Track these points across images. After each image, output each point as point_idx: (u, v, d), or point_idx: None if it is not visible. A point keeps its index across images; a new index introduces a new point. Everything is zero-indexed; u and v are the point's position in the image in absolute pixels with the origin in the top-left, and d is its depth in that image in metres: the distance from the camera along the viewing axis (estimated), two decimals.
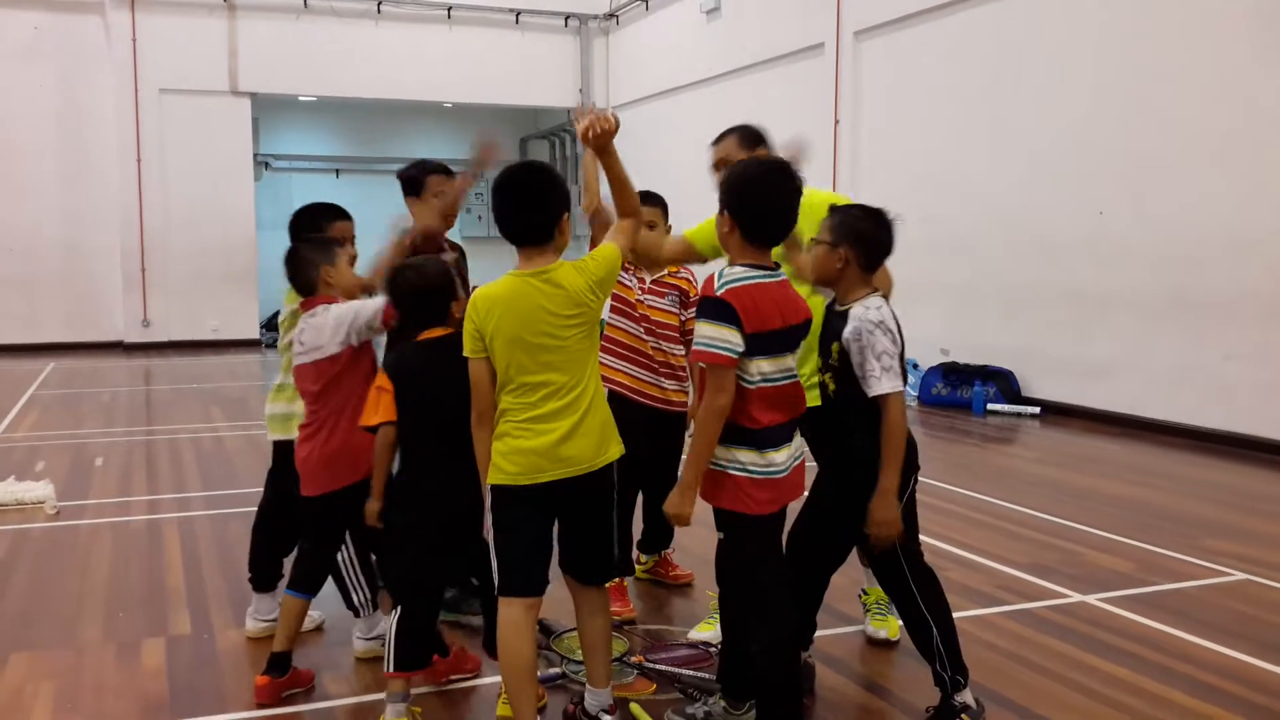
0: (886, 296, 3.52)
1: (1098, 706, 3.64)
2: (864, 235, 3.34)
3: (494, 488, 3.12)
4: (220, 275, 16.62)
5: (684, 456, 3.21)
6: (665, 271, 4.67)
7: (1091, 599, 4.71)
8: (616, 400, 4.27)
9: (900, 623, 4.01)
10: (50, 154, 16.12)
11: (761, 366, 3.06)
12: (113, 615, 4.59)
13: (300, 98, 18.25)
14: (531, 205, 3.11)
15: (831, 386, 3.38)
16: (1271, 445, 7.92)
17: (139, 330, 16.33)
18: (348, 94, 17.75)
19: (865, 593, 4.30)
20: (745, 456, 3.07)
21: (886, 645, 4.20)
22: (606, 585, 3.98)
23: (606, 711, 3.33)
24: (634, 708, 3.56)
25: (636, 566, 5.05)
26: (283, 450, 4.11)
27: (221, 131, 16.65)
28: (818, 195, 3.77)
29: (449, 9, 17.49)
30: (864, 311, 3.26)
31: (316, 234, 4.11)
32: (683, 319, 4.65)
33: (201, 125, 16.46)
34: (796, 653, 3.30)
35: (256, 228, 17.23)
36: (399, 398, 3.40)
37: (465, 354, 3.12)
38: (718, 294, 3.01)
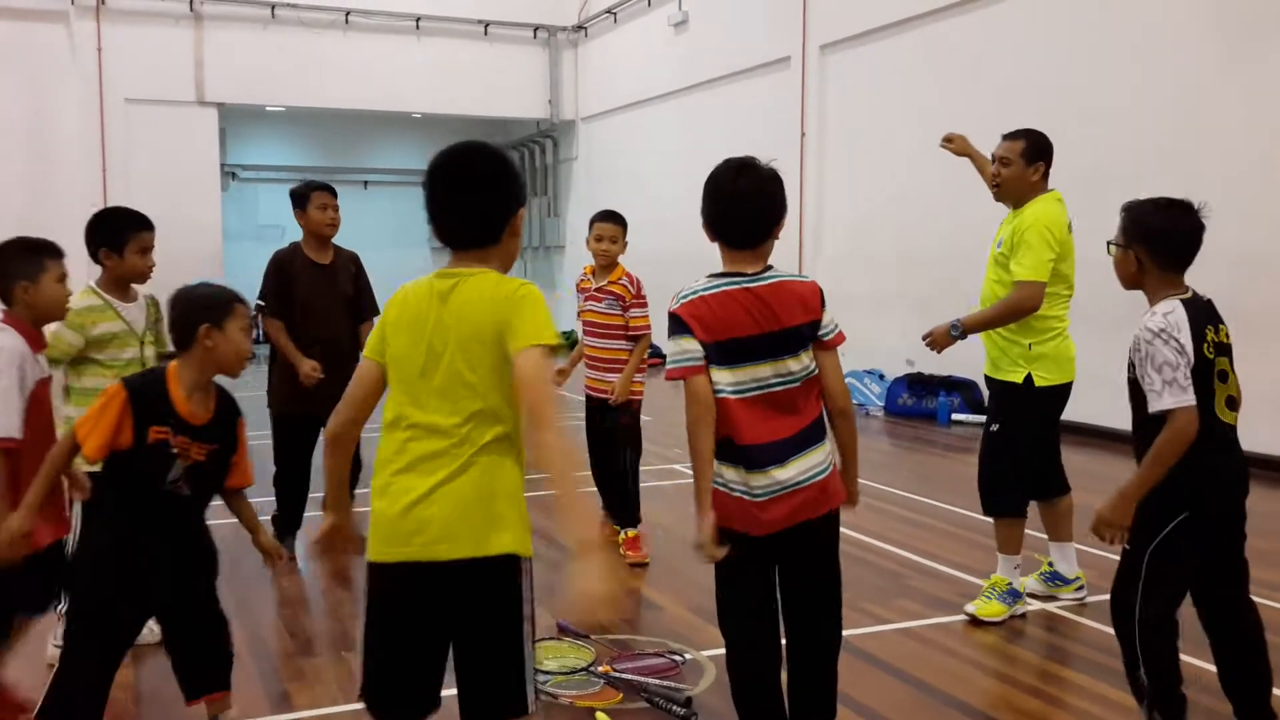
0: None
1: (1058, 713, 3.70)
2: (1156, 231, 3.19)
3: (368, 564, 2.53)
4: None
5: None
6: (606, 280, 5.68)
7: (1053, 607, 4.77)
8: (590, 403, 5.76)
9: (1005, 607, 4.54)
10: (14, 164, 15.92)
11: (724, 376, 2.88)
12: None
13: (268, 108, 18.19)
14: (469, 197, 2.49)
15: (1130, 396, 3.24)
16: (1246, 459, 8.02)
17: None
18: (315, 104, 17.72)
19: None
20: (729, 474, 2.93)
21: (858, 651, 4.24)
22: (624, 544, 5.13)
23: None
24: (600, 717, 3.58)
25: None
26: None
27: (188, 142, 16.56)
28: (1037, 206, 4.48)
29: (417, 20, 17.50)
30: (1147, 319, 3.13)
31: (118, 244, 4.07)
32: (625, 320, 5.70)
33: (168, 136, 16.35)
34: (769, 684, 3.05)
35: (224, 239, 17.17)
36: None
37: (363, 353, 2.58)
38: (672, 310, 2.94)
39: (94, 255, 4.17)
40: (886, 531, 5.99)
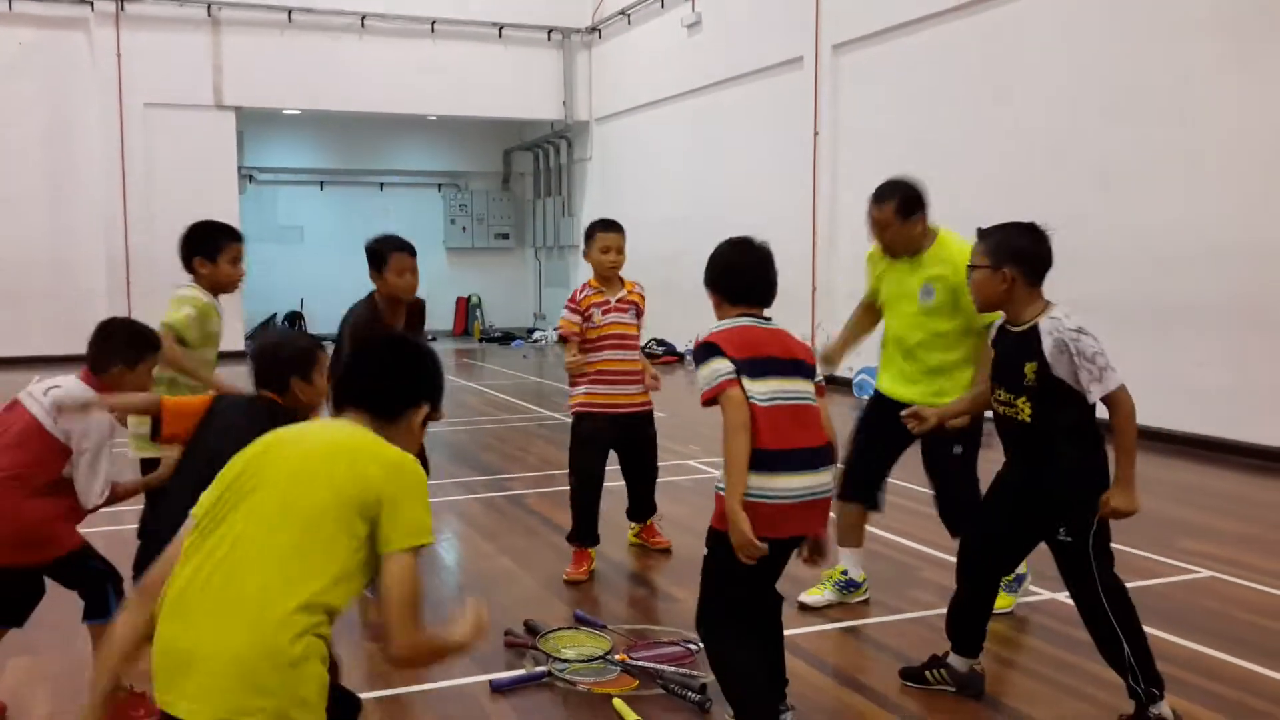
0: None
1: (1066, 699, 3.77)
2: (1024, 251, 3.42)
3: None
4: None
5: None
6: (624, 291, 5.45)
7: (1062, 596, 4.79)
8: (588, 417, 5.40)
9: (1013, 597, 4.57)
10: (36, 168, 16.15)
11: (753, 386, 3.10)
12: None
13: (285, 111, 18.33)
14: (390, 365, 2.53)
15: (1027, 410, 3.42)
16: (1240, 448, 8.09)
17: None
18: (332, 107, 17.85)
19: None
20: (752, 480, 3.08)
21: (872, 640, 4.33)
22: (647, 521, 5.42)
23: None
24: (617, 703, 3.67)
25: (628, 533, 5.83)
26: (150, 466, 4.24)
27: (206, 145, 16.72)
28: (955, 247, 4.29)
29: (432, 23, 17.62)
30: (1054, 323, 3.34)
31: (213, 253, 4.32)
32: (638, 328, 5.50)
33: (186, 139, 16.52)
34: (762, 683, 3.26)
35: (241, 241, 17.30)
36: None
37: None
38: (701, 340, 3.19)
39: (188, 264, 4.34)
40: (899, 525, 6.06)
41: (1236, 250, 8.12)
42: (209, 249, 4.38)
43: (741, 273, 3.32)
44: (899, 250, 4.52)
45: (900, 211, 4.40)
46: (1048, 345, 3.32)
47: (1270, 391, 7.98)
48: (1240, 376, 8.15)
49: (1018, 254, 3.42)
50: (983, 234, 3.55)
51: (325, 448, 2.29)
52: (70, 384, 3.53)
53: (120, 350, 3.66)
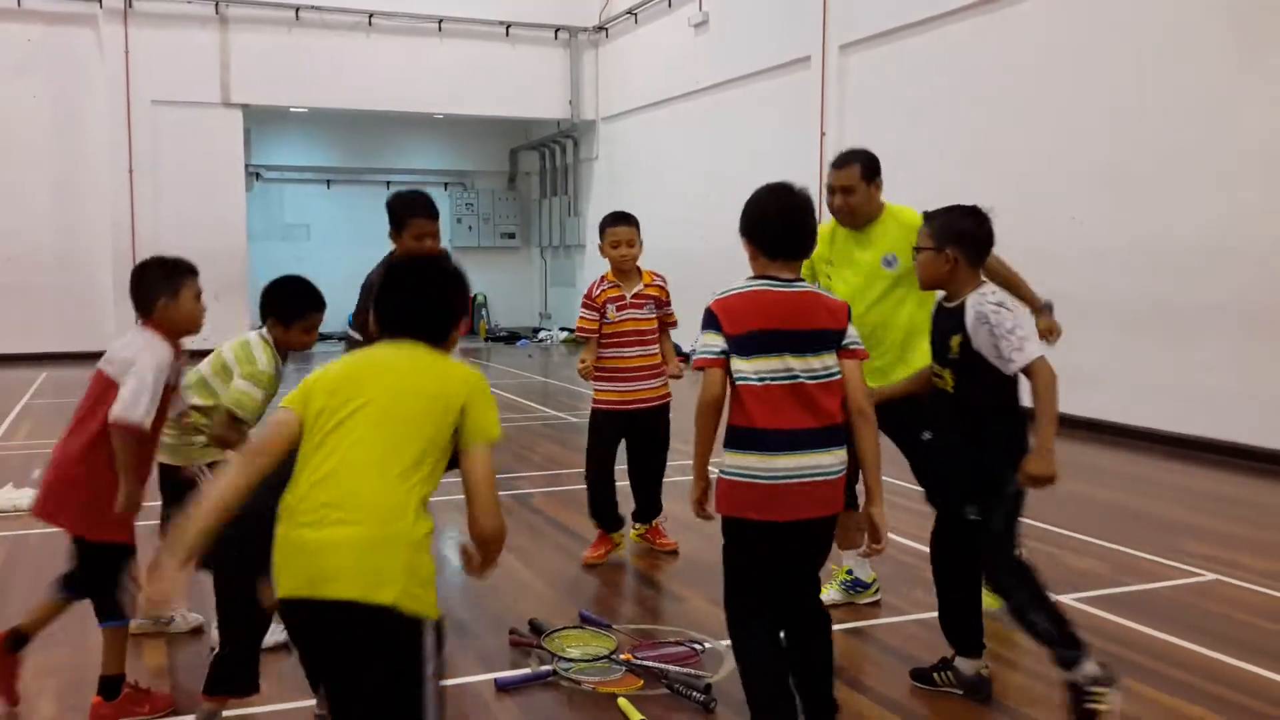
0: None
1: (1064, 696, 3.77)
2: (967, 233, 3.54)
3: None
4: (211, 285, 16.44)
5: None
6: (641, 285, 5.43)
7: (1067, 599, 4.82)
8: (602, 414, 5.43)
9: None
10: (44, 165, 16.21)
11: (749, 365, 3.08)
12: None
13: (291, 109, 18.37)
14: (432, 298, 2.69)
15: (950, 382, 3.57)
16: (1246, 451, 8.07)
17: None
18: (339, 105, 17.89)
19: None
20: (747, 460, 3.09)
21: (875, 640, 4.34)
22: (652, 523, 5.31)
23: None
24: (622, 702, 3.68)
25: (631, 532, 5.74)
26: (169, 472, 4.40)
27: (213, 143, 16.77)
28: (908, 212, 4.27)
29: (440, 21, 17.64)
30: (979, 298, 3.47)
31: (287, 320, 4.13)
32: (658, 318, 5.49)
33: (194, 136, 16.57)
34: (775, 679, 3.20)
35: (248, 238, 17.36)
36: None
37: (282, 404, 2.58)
38: (708, 306, 3.17)
39: (263, 318, 4.21)
40: (900, 525, 6.04)
41: (1245, 253, 8.11)
42: (286, 314, 4.14)
43: (773, 221, 3.19)
44: (860, 218, 4.47)
45: (865, 175, 4.43)
46: (969, 318, 3.45)
47: (1279, 395, 7.97)
48: (1249, 380, 8.13)
49: (960, 236, 3.53)
50: (929, 216, 3.67)
51: (415, 366, 2.58)
52: (129, 336, 3.65)
53: (158, 284, 3.67)
